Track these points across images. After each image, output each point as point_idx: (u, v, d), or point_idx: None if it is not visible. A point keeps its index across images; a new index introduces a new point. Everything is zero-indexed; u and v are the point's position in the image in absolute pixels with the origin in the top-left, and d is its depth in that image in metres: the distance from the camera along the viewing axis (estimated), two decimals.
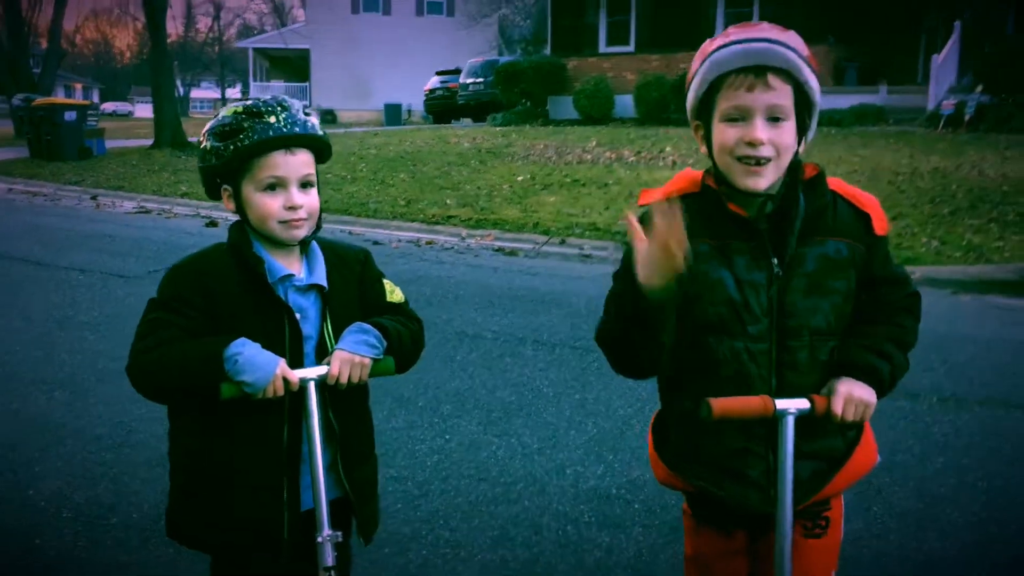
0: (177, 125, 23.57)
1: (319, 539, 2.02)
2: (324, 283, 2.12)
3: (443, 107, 31.85)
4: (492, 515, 3.74)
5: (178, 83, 66.45)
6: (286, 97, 2.10)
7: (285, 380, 1.97)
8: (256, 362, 1.95)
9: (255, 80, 48.49)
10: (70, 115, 20.83)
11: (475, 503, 3.86)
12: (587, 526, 3.64)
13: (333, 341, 2.10)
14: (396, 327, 2.15)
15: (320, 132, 2.09)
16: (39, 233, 11.17)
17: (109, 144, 22.97)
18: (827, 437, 1.94)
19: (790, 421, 1.83)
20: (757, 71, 1.79)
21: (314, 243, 2.17)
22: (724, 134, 1.84)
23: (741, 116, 1.81)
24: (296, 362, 2.05)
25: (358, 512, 2.20)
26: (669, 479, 2.05)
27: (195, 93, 77.34)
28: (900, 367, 1.91)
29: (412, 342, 2.21)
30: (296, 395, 2.02)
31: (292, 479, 2.08)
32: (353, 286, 2.20)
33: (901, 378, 1.95)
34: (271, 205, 2.03)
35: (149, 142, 23.60)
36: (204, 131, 2.09)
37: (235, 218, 2.15)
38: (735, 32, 1.85)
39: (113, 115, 60.57)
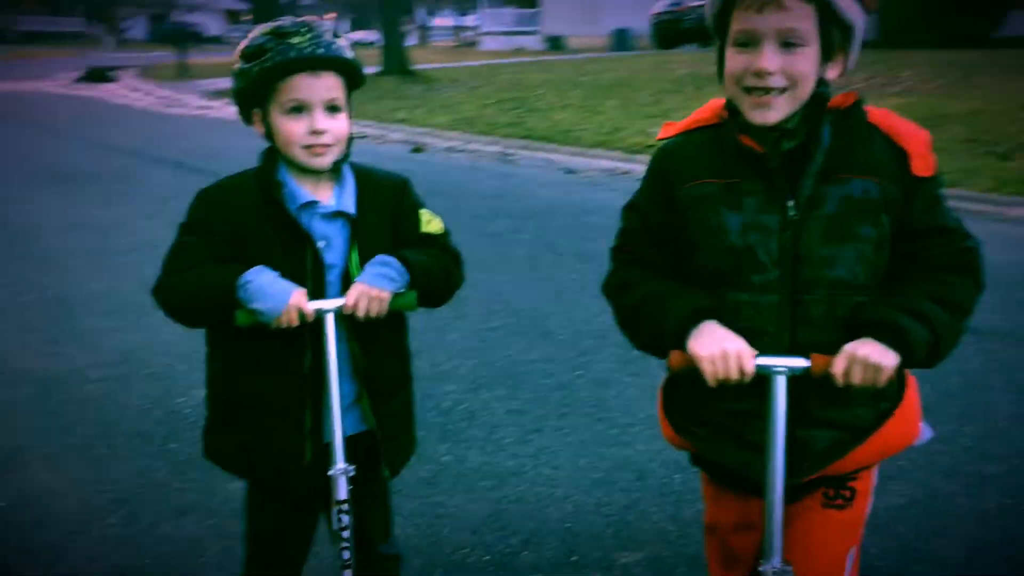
0: (403, 53, 24.38)
1: (331, 472, 2.02)
2: (352, 210, 2.07)
3: (670, 31, 30.89)
4: (601, 456, 3.65)
5: (422, 12, 68.41)
6: (315, 19, 2.04)
7: (300, 311, 1.96)
8: (269, 291, 1.93)
9: (488, 7, 49.05)
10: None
11: (586, 442, 3.77)
12: (696, 475, 3.45)
13: (359, 271, 2.05)
14: (422, 260, 2.07)
15: (347, 55, 2.01)
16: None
17: None
18: (852, 406, 1.70)
19: (781, 381, 1.62)
20: None
21: (346, 169, 2.12)
22: (732, 61, 1.64)
23: (750, 41, 1.60)
24: (319, 292, 2.02)
25: (384, 446, 2.17)
26: (676, 440, 1.88)
27: (437, 21, 79.42)
28: (946, 328, 1.61)
29: (443, 276, 2.12)
30: (316, 325, 2.01)
31: (315, 409, 2.07)
32: (385, 215, 2.13)
33: (953, 344, 1.65)
34: (295, 129, 1.98)
35: (378, 69, 24.58)
36: (236, 53, 2.07)
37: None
38: None
39: (358, 44, 63.39)
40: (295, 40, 1.94)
